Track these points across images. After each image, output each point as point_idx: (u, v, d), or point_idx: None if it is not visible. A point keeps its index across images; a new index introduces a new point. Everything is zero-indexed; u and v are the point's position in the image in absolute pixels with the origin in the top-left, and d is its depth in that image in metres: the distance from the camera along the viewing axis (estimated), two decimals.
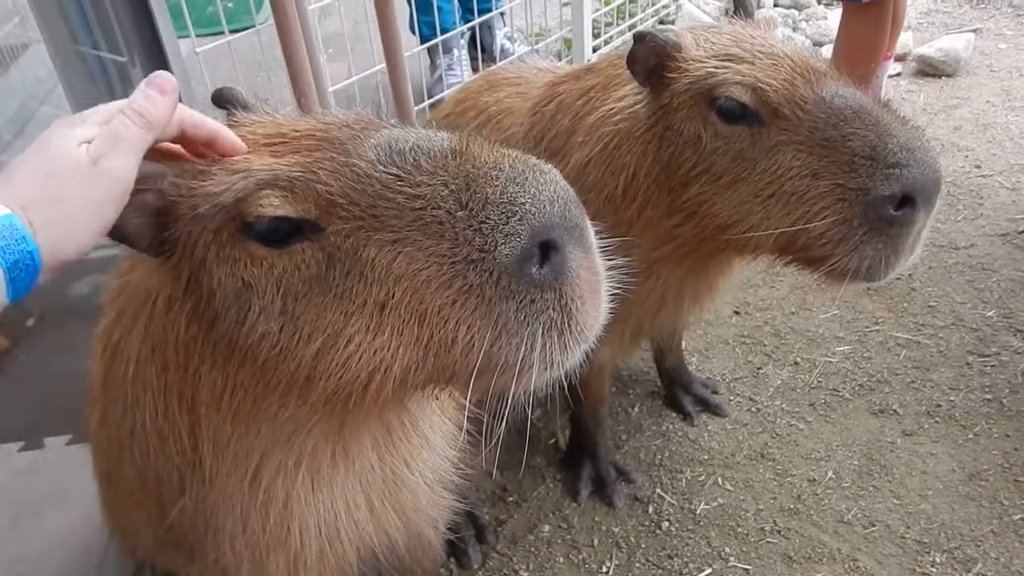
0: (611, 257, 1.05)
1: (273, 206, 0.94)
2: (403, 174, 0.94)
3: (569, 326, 0.93)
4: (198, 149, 1.03)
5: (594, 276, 0.98)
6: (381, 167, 0.95)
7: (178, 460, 1.14)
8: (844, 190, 1.40)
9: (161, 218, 1.00)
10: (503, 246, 0.89)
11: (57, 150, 0.88)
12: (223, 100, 1.21)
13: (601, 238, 1.04)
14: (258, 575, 1.29)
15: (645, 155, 1.62)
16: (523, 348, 0.92)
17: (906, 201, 1.37)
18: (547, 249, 0.91)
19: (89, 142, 0.90)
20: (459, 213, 0.91)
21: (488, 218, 0.90)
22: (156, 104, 0.95)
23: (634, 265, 1.76)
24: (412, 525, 1.43)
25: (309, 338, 0.96)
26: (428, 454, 1.35)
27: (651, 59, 1.58)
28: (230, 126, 1.14)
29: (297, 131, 1.04)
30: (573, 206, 0.95)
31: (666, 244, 1.68)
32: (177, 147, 1.04)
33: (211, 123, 1.02)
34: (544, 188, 0.93)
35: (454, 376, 0.98)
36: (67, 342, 1.24)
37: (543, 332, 0.92)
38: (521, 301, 0.91)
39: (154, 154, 1.01)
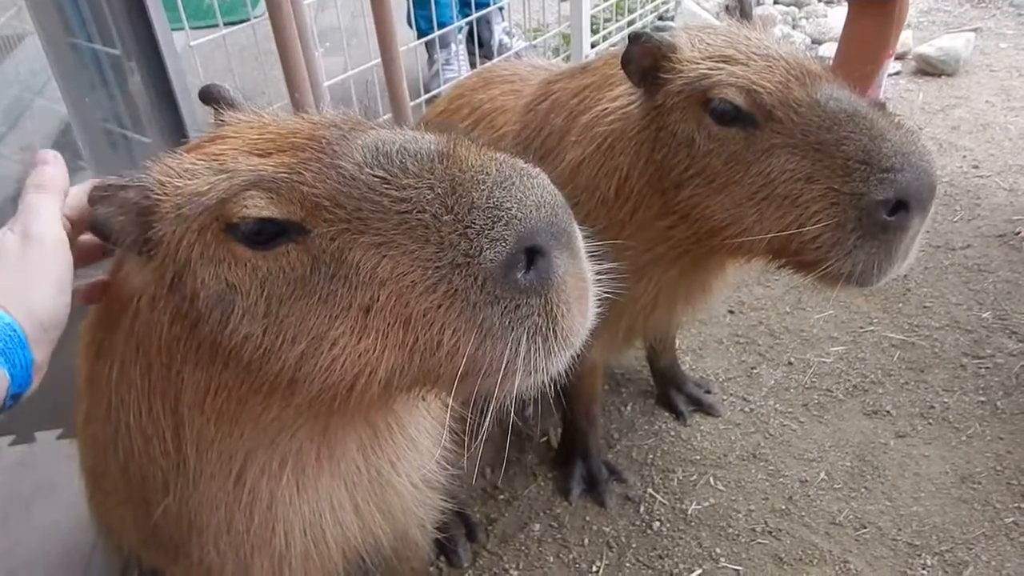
0: (600, 262, 1.04)
1: (258, 207, 0.94)
2: (389, 177, 0.93)
3: (554, 332, 0.92)
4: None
5: (581, 282, 0.97)
6: (367, 169, 0.94)
7: (162, 461, 1.13)
8: (838, 194, 1.38)
9: (144, 217, 1.00)
10: (488, 251, 0.88)
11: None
12: (210, 98, 1.20)
13: (592, 242, 1.03)
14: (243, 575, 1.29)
15: (638, 156, 1.61)
16: (507, 353, 0.91)
17: (900, 206, 1.36)
18: (533, 254, 0.90)
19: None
20: (445, 217, 0.90)
21: (474, 223, 0.89)
22: (44, 172, 1.05)
23: (626, 266, 1.76)
24: (398, 525, 1.43)
25: (293, 340, 0.96)
26: (414, 454, 1.35)
27: (646, 59, 1.56)
28: (217, 125, 1.14)
29: (284, 130, 1.03)
30: (561, 211, 0.94)
31: (659, 246, 1.67)
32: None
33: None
34: (531, 193, 0.92)
35: (439, 379, 0.97)
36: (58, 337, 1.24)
37: (528, 337, 0.91)
38: (506, 306, 0.90)
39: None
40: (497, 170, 0.93)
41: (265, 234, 0.95)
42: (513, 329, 0.90)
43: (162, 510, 1.17)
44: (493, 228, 0.89)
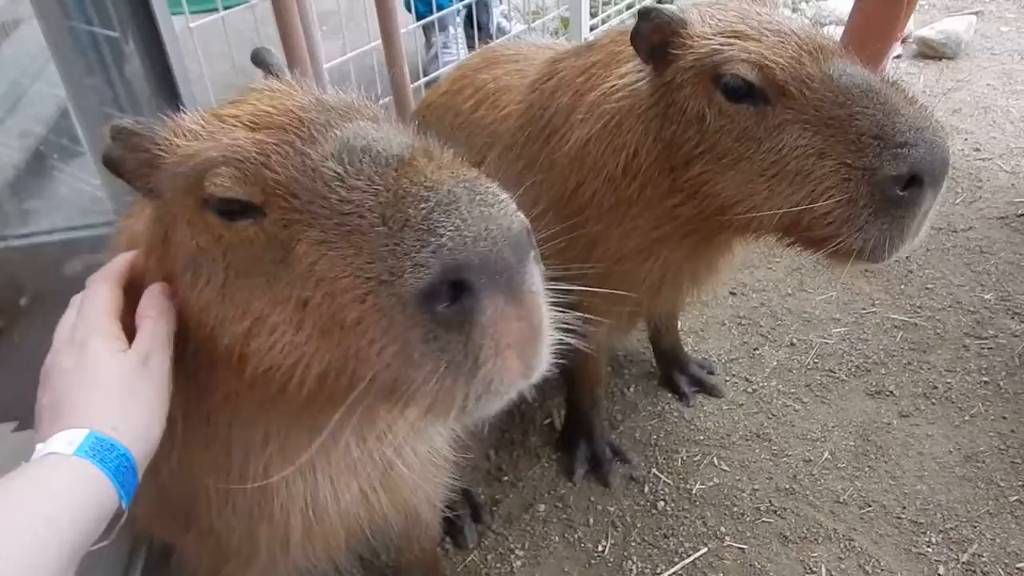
0: (565, 309, 0.95)
1: (224, 187, 0.94)
2: (343, 174, 0.91)
3: (475, 375, 0.85)
4: None
5: (526, 327, 0.87)
6: (329, 162, 0.92)
7: None
8: (850, 170, 1.37)
9: (149, 167, 1.03)
10: (410, 275, 0.83)
11: (106, 368, 0.98)
12: (259, 61, 1.24)
13: (556, 286, 0.95)
14: (249, 544, 1.28)
15: (647, 133, 1.60)
16: (429, 383, 0.86)
17: (913, 181, 1.35)
18: (459, 289, 0.83)
19: (123, 351, 1.01)
20: (379, 228, 0.86)
21: (403, 241, 0.84)
22: (160, 297, 1.06)
23: (633, 246, 1.75)
24: (406, 506, 1.42)
25: (241, 316, 0.96)
26: (419, 433, 1.34)
27: (655, 36, 1.55)
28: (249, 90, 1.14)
29: (281, 107, 1.02)
30: (508, 248, 0.84)
31: (666, 224, 1.67)
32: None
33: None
34: (475, 222, 0.84)
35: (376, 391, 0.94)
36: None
37: (446, 372, 0.85)
38: (425, 335, 0.84)
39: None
40: (449, 191, 0.87)
41: (233, 206, 0.95)
42: (432, 360, 0.85)
43: (168, 471, 1.17)
44: (420, 252, 0.83)
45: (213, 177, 0.94)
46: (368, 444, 1.24)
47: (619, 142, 1.64)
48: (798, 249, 1.57)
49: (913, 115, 1.36)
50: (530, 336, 0.88)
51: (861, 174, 1.36)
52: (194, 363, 1.06)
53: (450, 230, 0.83)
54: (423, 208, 0.85)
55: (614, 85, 1.65)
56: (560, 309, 0.95)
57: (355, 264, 0.87)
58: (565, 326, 0.96)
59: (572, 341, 0.97)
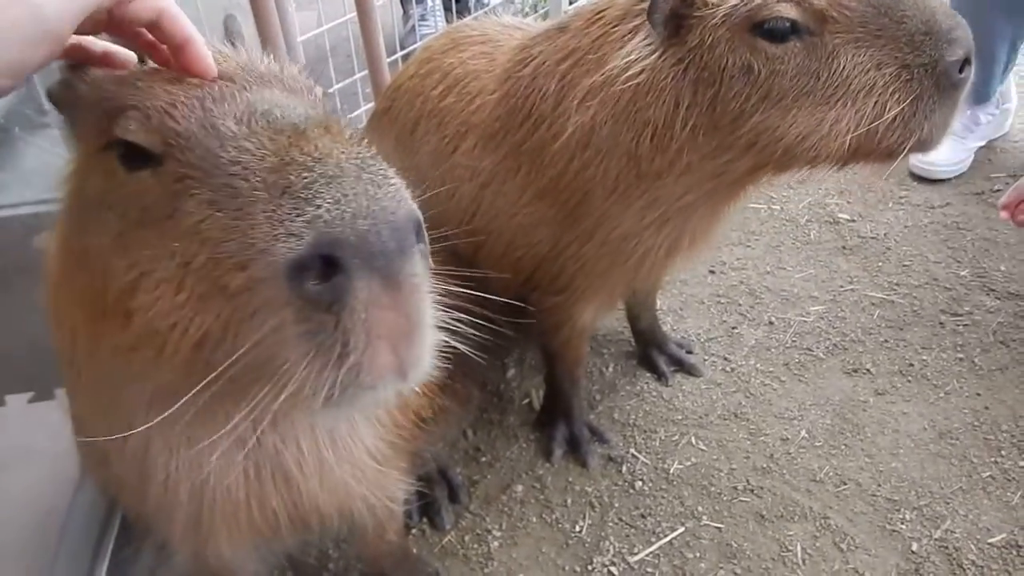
0: (453, 310, 0.90)
1: (129, 130, 0.92)
2: (237, 135, 0.88)
3: (343, 363, 0.80)
4: (164, 53, 1.02)
5: (402, 319, 0.81)
6: (228, 121, 0.89)
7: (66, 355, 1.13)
8: (911, 70, 1.44)
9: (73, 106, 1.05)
10: (283, 244, 0.78)
11: None
12: (227, 29, 1.23)
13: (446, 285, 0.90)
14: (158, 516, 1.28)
15: (678, 104, 1.58)
16: (298, 367, 0.81)
17: (966, 61, 1.45)
18: (331, 266, 0.77)
19: None
20: (259, 193, 0.82)
21: (280, 207, 0.80)
22: None
23: (657, 215, 1.74)
24: (332, 503, 1.33)
25: (128, 268, 0.91)
26: (341, 433, 1.26)
27: (671, 1, 1.53)
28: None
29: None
30: (389, 233, 0.78)
31: (705, 184, 1.68)
32: (151, 39, 1.04)
33: (190, 27, 0.99)
34: (358, 198, 0.78)
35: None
36: (27, 299, 1.21)
37: (315, 357, 0.80)
38: (298, 313, 0.80)
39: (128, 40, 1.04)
40: (336, 165, 0.82)
41: (135, 154, 0.93)
42: (303, 341, 0.80)
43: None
44: (294, 221, 0.78)
45: (119, 120, 0.92)
46: (267, 432, 1.16)
47: (640, 119, 1.62)
48: (859, 168, 1.59)
49: (940, 5, 1.47)
50: (406, 330, 0.82)
51: (924, 70, 1.44)
52: (80, 311, 1.02)
53: (329, 203, 0.78)
54: (306, 177, 0.81)
55: (618, 66, 1.62)
56: (447, 310, 0.89)
57: (239, 229, 0.82)
58: (452, 327, 0.90)
59: (459, 345, 0.91)
